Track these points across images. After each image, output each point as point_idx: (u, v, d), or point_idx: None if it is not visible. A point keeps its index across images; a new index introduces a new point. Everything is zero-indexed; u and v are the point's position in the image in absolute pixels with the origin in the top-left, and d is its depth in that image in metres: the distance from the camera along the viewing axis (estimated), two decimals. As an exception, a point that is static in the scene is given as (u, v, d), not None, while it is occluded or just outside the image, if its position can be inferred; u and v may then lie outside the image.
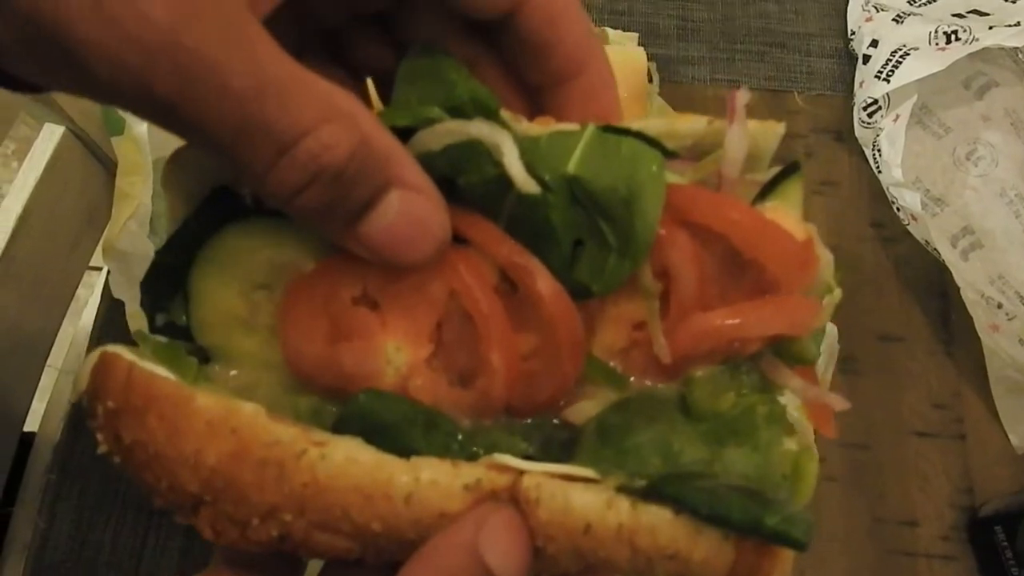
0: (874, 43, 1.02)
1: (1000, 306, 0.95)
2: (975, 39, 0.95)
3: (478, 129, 0.36)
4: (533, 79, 0.40)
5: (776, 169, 0.42)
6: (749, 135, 0.40)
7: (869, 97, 0.98)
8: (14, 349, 0.95)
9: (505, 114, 0.38)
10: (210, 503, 0.37)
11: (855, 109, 1.01)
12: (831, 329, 0.88)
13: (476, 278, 0.37)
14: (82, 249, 0.92)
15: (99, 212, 0.95)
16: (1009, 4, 1.01)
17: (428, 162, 0.36)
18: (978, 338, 0.91)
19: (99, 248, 0.96)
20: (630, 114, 0.90)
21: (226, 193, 0.40)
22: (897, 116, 0.96)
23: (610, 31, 1.01)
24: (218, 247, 0.40)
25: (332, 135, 0.30)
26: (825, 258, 0.41)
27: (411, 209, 0.34)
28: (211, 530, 0.37)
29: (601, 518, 0.35)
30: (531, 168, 0.36)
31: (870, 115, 0.98)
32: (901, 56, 0.97)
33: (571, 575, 0.38)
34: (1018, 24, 0.96)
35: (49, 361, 0.98)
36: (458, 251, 0.38)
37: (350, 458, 0.36)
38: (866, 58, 1.02)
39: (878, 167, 0.97)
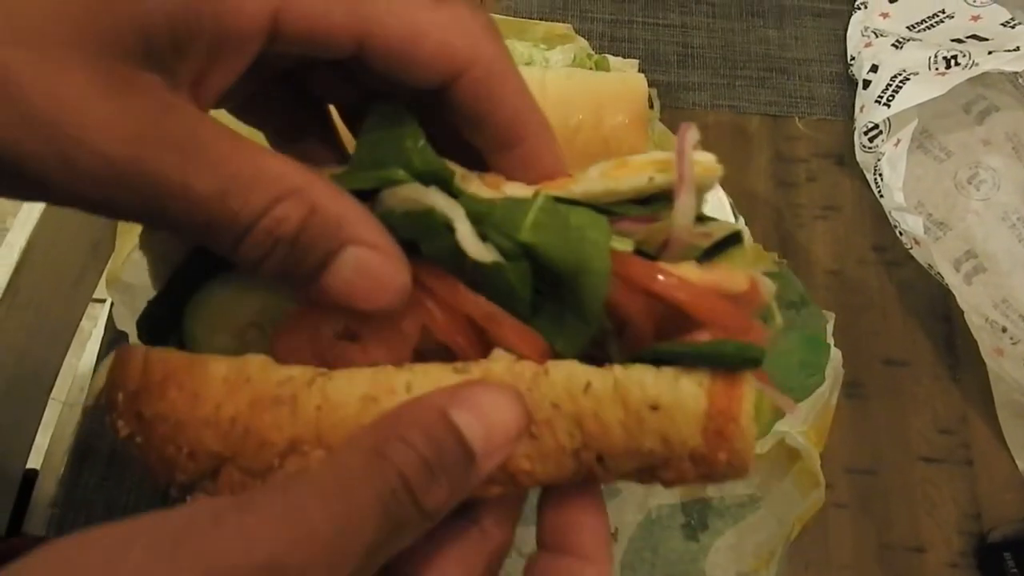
0: (874, 68, 1.03)
1: (1005, 330, 0.95)
2: (975, 64, 0.96)
3: (434, 199, 0.38)
4: (475, 143, 0.41)
5: (723, 231, 0.43)
6: (697, 187, 0.41)
7: (870, 122, 0.98)
8: (18, 382, 0.95)
9: (459, 178, 0.39)
10: (230, 459, 0.38)
11: (856, 134, 1.01)
12: (835, 353, 0.88)
13: (447, 313, 0.39)
14: (86, 281, 0.92)
15: (103, 244, 0.95)
16: (1008, 29, 1.02)
17: (390, 221, 0.38)
18: (983, 362, 0.90)
19: (103, 280, 0.96)
20: (632, 140, 0.91)
21: (202, 251, 0.41)
22: (898, 140, 0.96)
23: (611, 58, 1.01)
24: (204, 302, 0.41)
25: (283, 211, 0.33)
26: (767, 288, 0.42)
27: (366, 265, 0.36)
28: (230, 491, 0.38)
29: (600, 376, 0.37)
30: (486, 234, 0.38)
31: (871, 140, 0.99)
32: (901, 81, 0.97)
33: (566, 479, 0.39)
34: (1017, 49, 0.97)
35: (52, 394, 0.97)
36: (426, 292, 0.39)
37: (352, 373, 0.38)
38: (866, 83, 1.03)
39: (880, 191, 0.98)
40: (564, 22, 1.03)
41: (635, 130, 0.94)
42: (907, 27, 1.07)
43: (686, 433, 0.37)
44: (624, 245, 0.38)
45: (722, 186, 0.97)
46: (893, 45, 1.04)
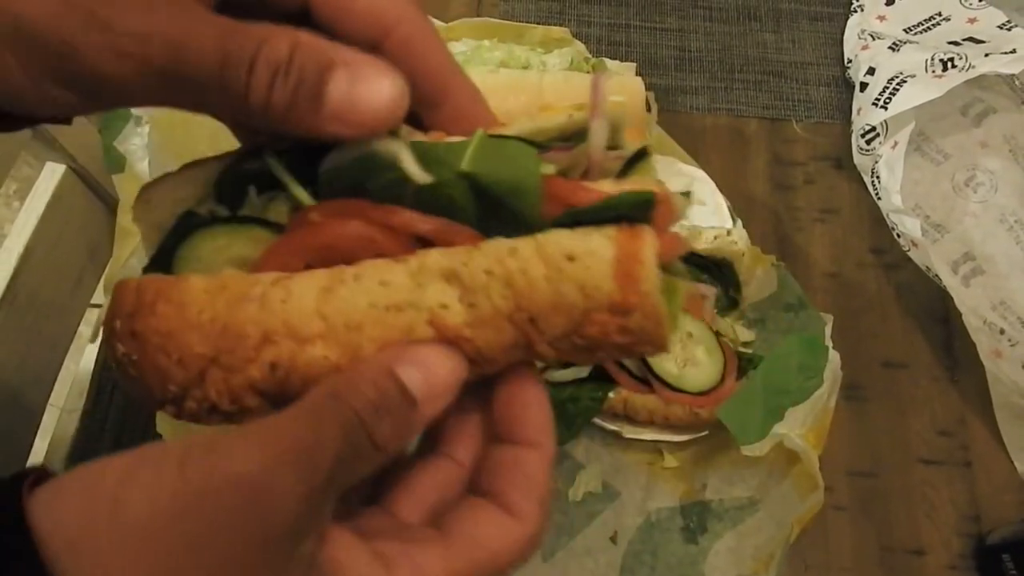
0: (871, 71, 1.03)
1: (1003, 332, 0.95)
2: (971, 66, 0.96)
3: (376, 143, 0.44)
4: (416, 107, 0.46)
5: (632, 149, 0.47)
6: (609, 118, 0.45)
7: (867, 124, 0.99)
8: (17, 387, 0.95)
9: (404, 131, 0.45)
10: (214, 360, 0.43)
11: (853, 136, 1.01)
12: (834, 356, 0.88)
13: (395, 241, 0.44)
14: (84, 287, 0.92)
15: (101, 249, 0.95)
16: (1005, 32, 1.02)
17: (338, 174, 0.44)
18: (981, 364, 0.90)
19: (101, 285, 0.96)
20: (629, 142, 0.91)
21: (189, 214, 0.47)
22: (895, 143, 0.96)
23: (608, 61, 1.01)
24: (189, 248, 0.47)
25: (274, 42, 0.40)
26: (675, 197, 0.45)
27: (358, 74, 0.41)
28: (215, 393, 0.43)
29: (523, 241, 0.42)
30: (429, 169, 0.44)
31: (868, 142, 0.99)
32: (898, 84, 0.97)
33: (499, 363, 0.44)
34: (1014, 51, 0.97)
35: (51, 400, 0.98)
36: (375, 225, 0.45)
37: (311, 272, 0.43)
38: (863, 86, 1.03)
39: (877, 194, 0.98)
40: (561, 26, 1.03)
41: (632, 134, 0.94)
42: (904, 30, 1.08)
43: (599, 277, 0.41)
44: (550, 169, 0.44)
45: (720, 189, 0.97)
46: (890, 48, 1.04)
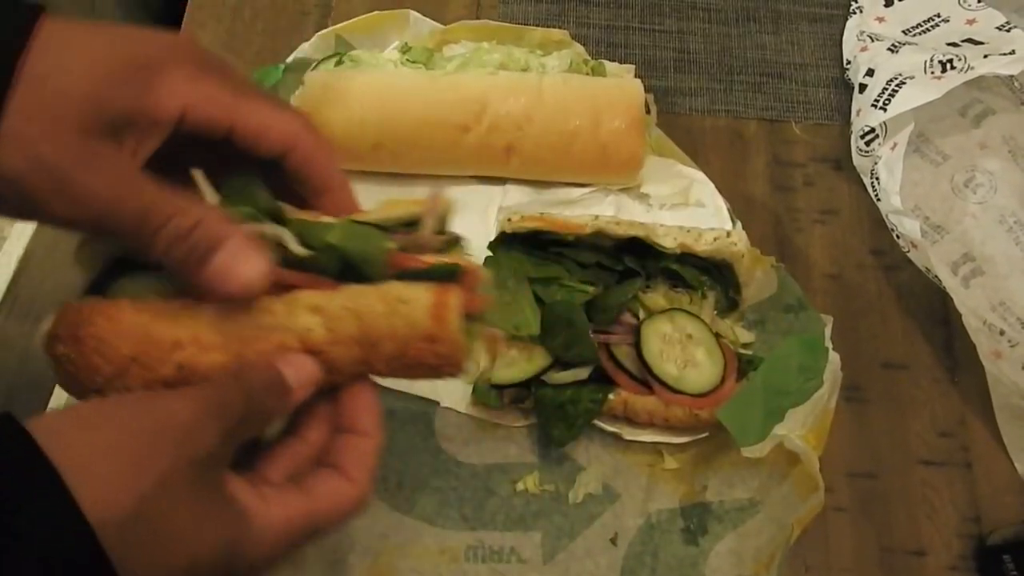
0: (870, 72, 1.03)
1: (1002, 333, 0.95)
2: (970, 68, 0.96)
3: (268, 228, 0.59)
4: (302, 193, 0.62)
5: (451, 237, 0.64)
6: (438, 213, 0.63)
7: (866, 126, 0.99)
8: (16, 390, 0.94)
9: (288, 211, 0.61)
10: (134, 359, 0.57)
11: (852, 138, 1.01)
12: (834, 357, 0.88)
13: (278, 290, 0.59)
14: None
15: (102, 255, 0.95)
16: (1004, 33, 1.02)
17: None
18: (982, 365, 0.90)
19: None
20: (629, 145, 0.92)
21: (121, 260, 0.61)
22: (895, 144, 0.96)
23: (607, 63, 1.02)
24: (117, 289, 0.61)
25: (179, 218, 0.54)
26: (480, 269, 0.63)
27: (236, 254, 0.55)
28: (134, 384, 0.57)
29: (371, 288, 0.59)
30: (307, 241, 0.59)
31: (867, 143, 0.99)
32: (897, 85, 0.97)
33: (346, 374, 0.60)
34: (1013, 52, 0.97)
35: (50, 403, 0.97)
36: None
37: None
38: (862, 87, 1.03)
39: (877, 195, 0.98)
40: (560, 28, 1.03)
41: (632, 135, 0.94)
42: (903, 31, 1.08)
43: (420, 316, 0.58)
44: (393, 245, 0.61)
45: (720, 191, 0.97)
46: (889, 49, 1.04)
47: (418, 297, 0.58)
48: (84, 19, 0.55)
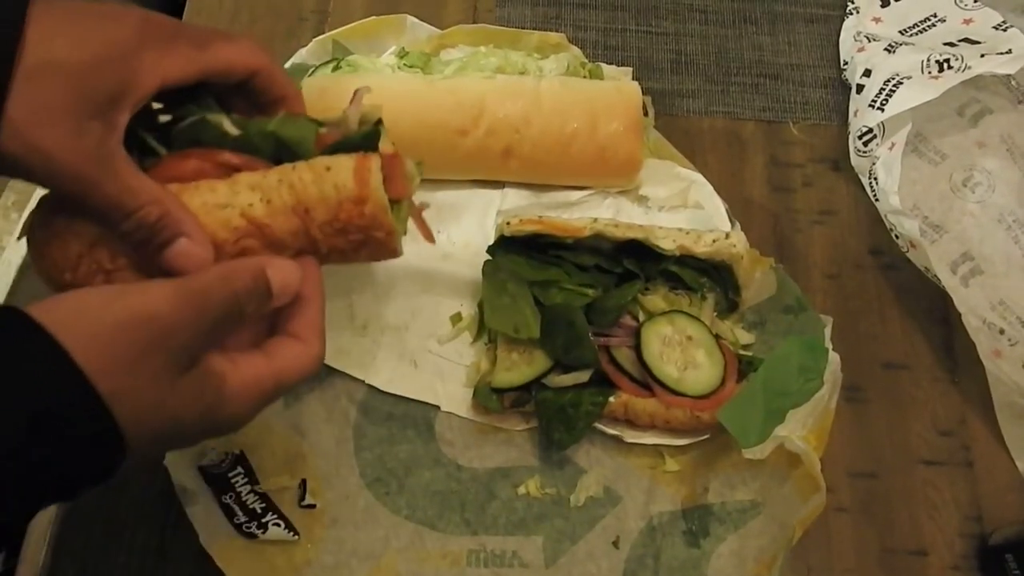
0: (867, 72, 1.03)
1: (1002, 332, 0.95)
2: (967, 67, 0.96)
3: (208, 114, 0.67)
4: (262, 104, 0.71)
5: (371, 127, 0.70)
6: (360, 112, 0.70)
7: (864, 126, 0.99)
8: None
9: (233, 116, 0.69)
10: (102, 236, 0.64)
11: (850, 138, 1.01)
12: (834, 357, 0.88)
13: (218, 169, 0.67)
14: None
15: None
16: (1000, 32, 1.02)
17: (184, 134, 0.67)
18: (982, 364, 0.91)
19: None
20: (627, 147, 0.92)
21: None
22: (892, 144, 0.96)
23: (604, 66, 1.02)
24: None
25: (149, 209, 0.62)
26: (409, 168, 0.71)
27: (189, 248, 0.63)
28: (103, 258, 0.64)
29: (300, 163, 0.66)
30: (246, 132, 0.68)
31: (865, 144, 0.99)
32: (894, 85, 0.97)
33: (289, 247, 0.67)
34: (1010, 52, 0.97)
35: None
36: (201, 159, 0.68)
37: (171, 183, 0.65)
38: (860, 87, 1.03)
39: (875, 195, 0.98)
40: (558, 31, 1.03)
41: (630, 137, 0.94)
42: (899, 31, 1.08)
43: (344, 179, 0.65)
44: (322, 130, 0.69)
45: (718, 192, 0.97)
46: (886, 49, 1.04)
47: (342, 163, 0.66)
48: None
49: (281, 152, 0.68)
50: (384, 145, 0.69)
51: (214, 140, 0.67)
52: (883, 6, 1.10)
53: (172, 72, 0.63)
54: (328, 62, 0.98)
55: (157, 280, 0.60)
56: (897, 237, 0.96)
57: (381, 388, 0.89)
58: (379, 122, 0.70)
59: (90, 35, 0.59)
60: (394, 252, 0.70)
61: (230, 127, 0.67)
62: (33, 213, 0.66)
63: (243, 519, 0.82)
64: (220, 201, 0.65)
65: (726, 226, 0.95)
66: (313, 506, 0.84)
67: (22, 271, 0.85)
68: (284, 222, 0.65)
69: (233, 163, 0.67)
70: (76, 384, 0.52)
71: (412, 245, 0.75)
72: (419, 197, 0.75)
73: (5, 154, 0.57)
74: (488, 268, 0.88)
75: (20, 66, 0.56)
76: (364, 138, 0.68)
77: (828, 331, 0.90)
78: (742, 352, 0.88)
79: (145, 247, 0.63)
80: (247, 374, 0.62)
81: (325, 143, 0.68)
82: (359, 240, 0.67)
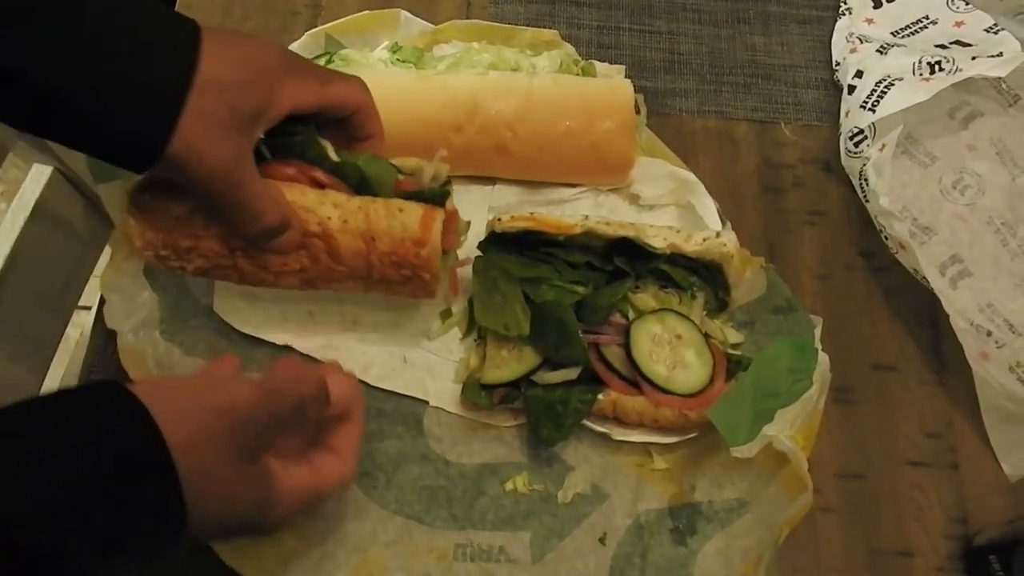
0: (859, 74, 1.03)
1: (990, 334, 0.96)
2: (959, 69, 0.96)
3: (318, 136, 0.79)
4: (352, 137, 0.82)
5: (439, 183, 0.84)
6: (434, 169, 0.83)
7: (855, 127, 0.99)
8: (7, 386, 0.94)
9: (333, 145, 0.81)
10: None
11: (841, 139, 1.02)
12: (823, 358, 0.88)
13: (312, 183, 0.80)
14: (72, 289, 0.92)
15: (88, 252, 0.95)
16: (991, 35, 1.03)
17: (292, 147, 0.78)
18: (969, 367, 0.91)
19: (88, 288, 0.96)
20: (620, 146, 0.92)
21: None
22: (883, 145, 0.97)
23: (597, 64, 1.02)
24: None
25: (271, 215, 0.74)
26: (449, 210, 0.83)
27: (290, 237, 0.77)
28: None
29: (380, 199, 0.80)
30: (342, 159, 0.80)
31: (856, 145, 0.99)
32: (886, 87, 0.98)
33: (346, 264, 0.80)
34: (1001, 55, 0.98)
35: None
36: (303, 172, 0.80)
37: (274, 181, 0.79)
38: (851, 88, 1.03)
39: (865, 197, 0.98)
40: (551, 28, 1.03)
41: (623, 136, 0.94)
42: (891, 33, 1.08)
43: (412, 222, 0.78)
44: (400, 176, 0.82)
45: (709, 191, 0.98)
46: (878, 51, 1.04)
47: (413, 208, 0.78)
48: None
49: (363, 185, 0.79)
50: (449, 203, 0.81)
51: (314, 159, 0.79)
52: (875, 7, 1.11)
53: (301, 100, 0.73)
54: (320, 56, 0.98)
55: (240, 378, 0.73)
56: (887, 239, 0.96)
57: (370, 383, 0.89)
58: (448, 181, 0.83)
59: (245, 60, 0.69)
60: (431, 294, 0.83)
61: (332, 153, 0.79)
62: (139, 181, 0.76)
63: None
64: (306, 204, 0.76)
65: (717, 225, 0.95)
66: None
67: (10, 261, 0.84)
68: (351, 242, 0.77)
69: (324, 182, 0.79)
70: (158, 454, 0.57)
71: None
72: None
73: (169, 157, 0.66)
74: (479, 264, 0.88)
75: (193, 88, 0.65)
76: (437, 195, 0.80)
77: (818, 332, 0.90)
78: (731, 351, 0.88)
79: (257, 242, 0.76)
80: (294, 482, 0.68)
81: (401, 188, 0.80)
82: (407, 276, 0.79)
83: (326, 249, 0.77)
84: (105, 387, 0.59)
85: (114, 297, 0.89)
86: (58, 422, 0.55)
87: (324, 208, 0.77)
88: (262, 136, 0.74)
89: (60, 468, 0.53)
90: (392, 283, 0.80)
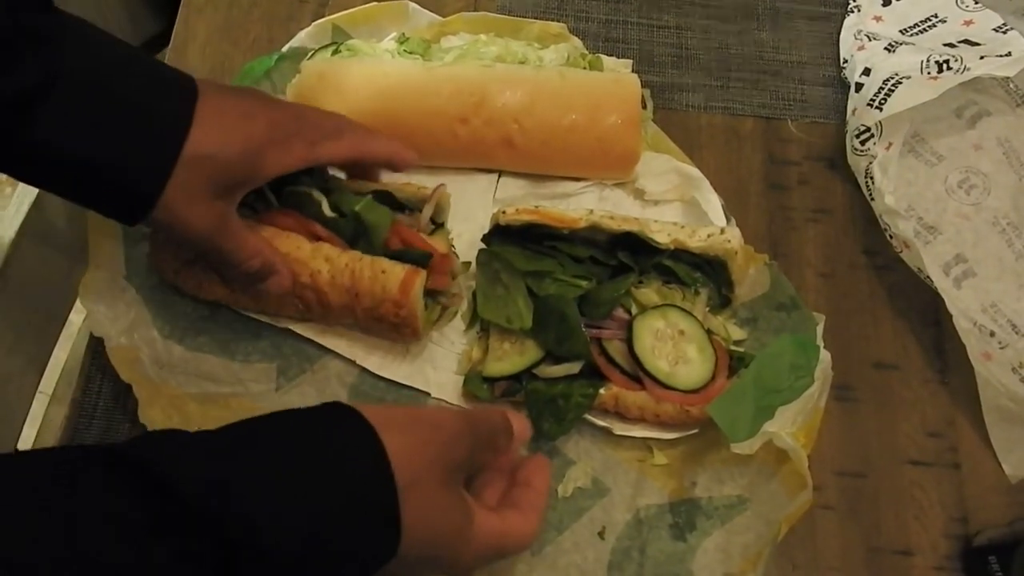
0: (866, 71, 1.03)
1: (993, 334, 0.96)
2: (966, 68, 0.96)
3: (313, 192, 0.86)
4: (365, 170, 0.90)
5: (441, 221, 0.91)
6: (435, 205, 0.89)
7: (861, 125, 0.99)
8: (6, 376, 0.94)
9: (336, 181, 0.89)
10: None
11: (848, 137, 1.01)
12: (825, 355, 0.88)
13: (309, 236, 0.86)
14: (74, 276, 0.92)
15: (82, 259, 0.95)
16: (1000, 34, 1.02)
17: (290, 199, 0.86)
18: (972, 366, 0.91)
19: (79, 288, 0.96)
20: (626, 141, 0.92)
21: None
22: (889, 144, 0.96)
23: (604, 58, 1.01)
24: None
25: (253, 262, 0.80)
26: (451, 253, 0.90)
27: (280, 281, 0.82)
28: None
29: (367, 257, 0.84)
30: (338, 207, 0.86)
31: (862, 143, 0.99)
32: (893, 85, 0.97)
33: (335, 313, 0.86)
34: (1009, 54, 0.97)
35: (40, 388, 0.97)
36: (300, 226, 0.87)
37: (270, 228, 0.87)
38: (858, 86, 1.03)
39: (870, 195, 0.98)
40: (559, 21, 1.03)
41: (628, 130, 0.94)
42: (900, 31, 1.08)
43: (392, 284, 0.82)
44: (396, 220, 0.87)
45: (714, 187, 0.97)
46: (886, 49, 1.04)
47: (395, 272, 0.82)
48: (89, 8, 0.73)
49: (359, 229, 0.85)
50: (442, 244, 0.88)
51: (311, 212, 0.85)
52: (884, 5, 1.10)
53: (287, 165, 0.79)
54: (327, 46, 0.98)
55: (442, 407, 0.87)
56: (891, 237, 0.96)
57: (373, 371, 0.89)
58: (444, 226, 0.91)
59: (233, 131, 0.74)
60: (417, 338, 0.87)
61: (326, 209, 0.85)
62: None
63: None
64: (300, 258, 0.83)
65: (721, 222, 0.95)
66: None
67: (13, 248, 0.84)
68: (337, 296, 0.83)
69: (319, 234, 0.85)
70: (382, 471, 0.60)
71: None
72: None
73: (155, 220, 0.73)
74: (482, 257, 0.88)
75: (182, 158, 0.71)
76: (421, 256, 0.84)
77: (820, 329, 0.90)
78: (734, 348, 0.88)
79: (248, 284, 0.83)
80: (485, 525, 0.69)
81: (398, 231, 0.86)
82: (389, 327, 0.84)
83: (317, 300, 0.84)
84: (336, 408, 0.64)
85: (97, 307, 0.89)
86: (303, 440, 0.61)
87: (315, 262, 0.83)
88: (266, 187, 0.83)
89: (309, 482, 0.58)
90: (376, 332, 0.88)
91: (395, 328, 0.84)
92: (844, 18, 1.13)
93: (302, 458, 0.59)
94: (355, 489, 0.59)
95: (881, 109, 0.97)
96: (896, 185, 0.94)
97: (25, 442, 0.98)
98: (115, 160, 0.70)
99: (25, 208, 0.87)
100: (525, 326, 0.85)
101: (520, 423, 0.76)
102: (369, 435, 0.61)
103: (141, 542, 0.50)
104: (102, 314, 0.88)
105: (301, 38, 1.01)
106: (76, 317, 1.03)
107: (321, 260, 0.82)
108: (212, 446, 0.58)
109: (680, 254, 0.87)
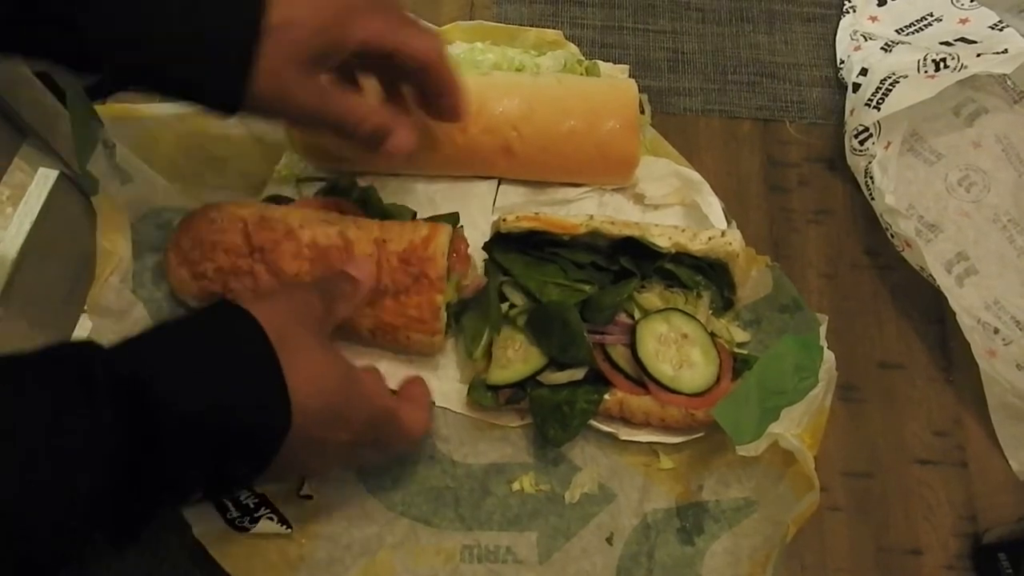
0: (863, 71, 1.03)
1: (997, 331, 0.95)
2: (963, 66, 0.96)
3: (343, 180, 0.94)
4: (429, 94, 0.85)
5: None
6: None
7: (860, 125, 0.99)
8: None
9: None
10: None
11: (846, 137, 1.01)
12: (829, 355, 0.88)
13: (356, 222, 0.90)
14: (78, 293, 0.92)
15: (95, 256, 0.95)
16: (996, 32, 1.02)
17: (338, 187, 0.95)
18: (976, 364, 0.91)
19: (86, 304, 0.95)
20: (624, 145, 0.92)
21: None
22: (888, 143, 0.96)
23: (601, 64, 1.02)
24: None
25: (365, 125, 0.80)
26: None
27: (399, 137, 0.81)
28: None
29: (394, 222, 0.88)
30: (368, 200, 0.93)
31: (861, 143, 0.99)
32: (891, 84, 0.97)
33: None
34: (1006, 51, 0.98)
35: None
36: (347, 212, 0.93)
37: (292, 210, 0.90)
38: (856, 86, 1.03)
39: (871, 194, 0.98)
40: (555, 29, 1.03)
41: (627, 135, 0.94)
42: (896, 30, 1.08)
43: (422, 226, 0.87)
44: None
45: (715, 191, 0.97)
46: (882, 48, 1.04)
47: (423, 222, 0.88)
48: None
49: (383, 214, 0.92)
50: (460, 238, 0.89)
51: (352, 192, 0.94)
52: (880, 5, 1.10)
53: (369, 39, 0.76)
54: (325, 58, 0.98)
55: (290, 285, 0.85)
56: (892, 236, 0.96)
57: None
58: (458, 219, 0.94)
59: (318, 2, 0.73)
60: (439, 295, 0.85)
61: (379, 201, 0.93)
62: (180, 224, 0.89)
63: (235, 514, 0.82)
64: (331, 221, 0.87)
65: (722, 224, 0.95)
66: (310, 496, 0.84)
67: (16, 266, 0.84)
68: (364, 247, 0.84)
69: (351, 212, 0.91)
70: (254, 330, 0.66)
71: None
72: (420, 205, 0.96)
73: (257, 92, 0.71)
74: (484, 265, 0.88)
75: (265, 29, 0.70)
76: (447, 217, 0.90)
77: (823, 330, 0.90)
78: (737, 350, 0.88)
79: (370, 147, 0.80)
80: (375, 387, 0.75)
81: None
82: (416, 274, 0.84)
83: (348, 254, 0.85)
84: (218, 304, 0.70)
85: (103, 321, 0.89)
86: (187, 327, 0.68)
87: (346, 223, 0.87)
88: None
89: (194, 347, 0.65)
90: (398, 295, 0.85)
91: (418, 277, 0.84)
92: (839, 19, 1.13)
93: (194, 341, 0.66)
94: (238, 346, 0.66)
95: (879, 109, 0.97)
96: (896, 184, 0.94)
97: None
98: (200, 35, 0.70)
99: (27, 227, 0.87)
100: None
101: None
102: (240, 311, 0.67)
103: (92, 410, 0.57)
104: (109, 328, 0.88)
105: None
106: (80, 334, 1.03)
107: (352, 226, 0.86)
108: (134, 345, 0.64)
109: (682, 257, 0.87)
